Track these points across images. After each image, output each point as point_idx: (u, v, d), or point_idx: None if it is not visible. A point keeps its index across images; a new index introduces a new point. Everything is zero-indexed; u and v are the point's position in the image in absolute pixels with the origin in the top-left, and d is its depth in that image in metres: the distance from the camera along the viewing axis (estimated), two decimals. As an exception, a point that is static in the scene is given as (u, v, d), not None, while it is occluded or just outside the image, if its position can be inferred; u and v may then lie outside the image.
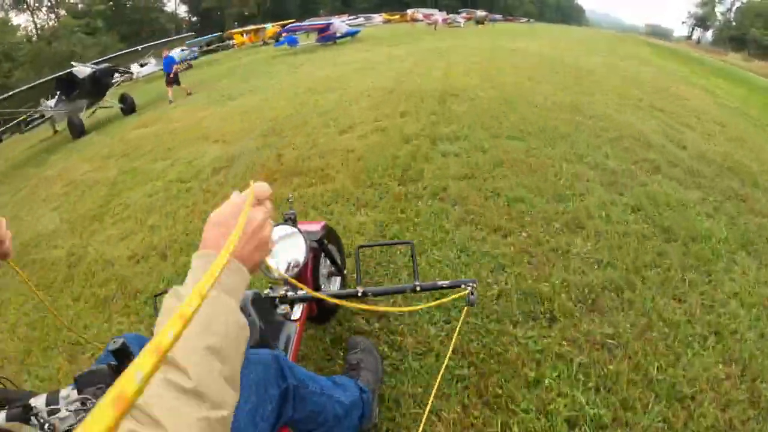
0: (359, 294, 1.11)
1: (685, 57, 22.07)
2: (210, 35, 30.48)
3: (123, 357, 0.70)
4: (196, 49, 31.36)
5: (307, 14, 49.22)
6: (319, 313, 1.71)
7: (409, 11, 44.77)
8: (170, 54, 12.65)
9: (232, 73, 14.90)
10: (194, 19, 67.06)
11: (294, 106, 6.67)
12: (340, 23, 20.79)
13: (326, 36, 20.00)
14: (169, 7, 62.01)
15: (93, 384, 0.72)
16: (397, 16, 44.75)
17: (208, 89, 11.50)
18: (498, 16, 45.20)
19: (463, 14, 36.77)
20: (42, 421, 0.69)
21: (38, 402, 0.72)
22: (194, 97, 10.75)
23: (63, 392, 0.73)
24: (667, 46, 30.31)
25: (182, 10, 65.82)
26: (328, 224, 1.74)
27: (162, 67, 12.87)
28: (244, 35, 32.34)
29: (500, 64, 8.99)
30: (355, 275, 1.31)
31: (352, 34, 20.29)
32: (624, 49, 17.06)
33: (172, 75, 11.49)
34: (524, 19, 61.52)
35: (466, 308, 1.05)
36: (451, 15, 35.82)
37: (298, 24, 22.23)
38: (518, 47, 12.82)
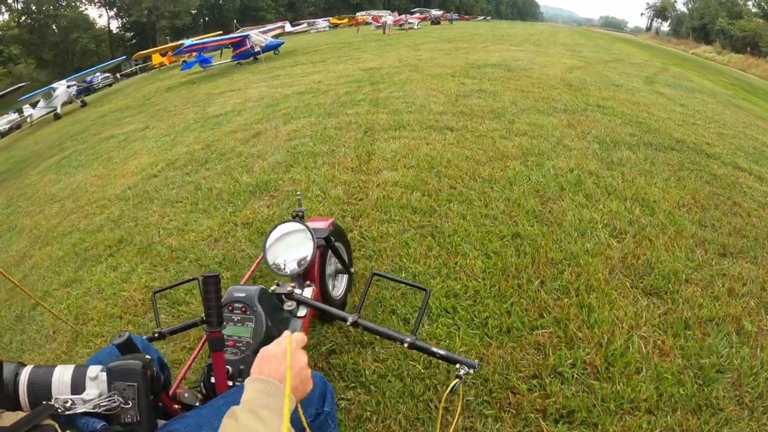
0: (348, 322, 1.07)
1: (702, 66, 18.48)
2: (94, 67, 23.66)
3: (127, 351, 0.74)
4: (109, 76, 26.06)
5: (250, 22, 44.50)
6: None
7: (359, 14, 41.14)
8: None
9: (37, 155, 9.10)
10: (129, 35, 60.95)
11: None
12: (258, 36, 16.35)
13: (243, 52, 15.56)
14: (102, 22, 55.55)
15: (125, 379, 0.69)
16: (345, 20, 40.86)
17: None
18: (455, 15, 41.92)
19: (417, 14, 33.05)
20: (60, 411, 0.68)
21: (64, 376, 0.70)
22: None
23: (91, 372, 0.71)
24: (650, 44, 27.46)
25: (114, 26, 59.70)
26: (336, 222, 1.71)
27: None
28: (162, 54, 27.21)
29: (514, 147, 3.91)
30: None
31: (274, 47, 15.96)
32: (625, 53, 13.46)
33: None
34: (481, 17, 59.09)
35: (460, 388, 0.89)
36: (403, 15, 31.97)
37: (201, 41, 17.51)
38: (503, 61, 8.61)
